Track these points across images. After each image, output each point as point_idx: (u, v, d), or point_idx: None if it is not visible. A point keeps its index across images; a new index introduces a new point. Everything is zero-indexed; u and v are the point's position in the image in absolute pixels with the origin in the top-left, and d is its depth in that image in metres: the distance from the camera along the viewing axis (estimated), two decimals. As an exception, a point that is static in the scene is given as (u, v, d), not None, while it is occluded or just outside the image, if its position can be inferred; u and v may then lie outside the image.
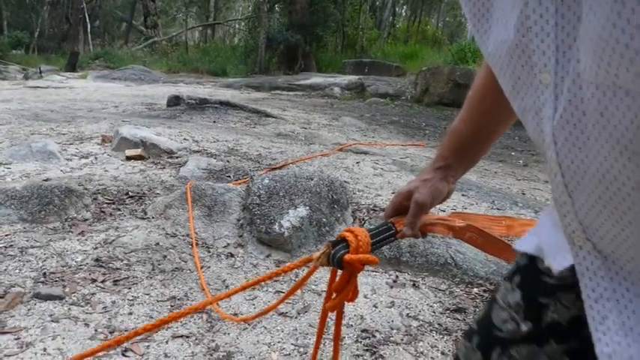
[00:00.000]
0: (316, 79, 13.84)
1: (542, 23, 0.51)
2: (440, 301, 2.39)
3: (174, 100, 7.80)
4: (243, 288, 1.00)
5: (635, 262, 0.55)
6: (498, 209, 3.70)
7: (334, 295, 0.98)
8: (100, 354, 1.81)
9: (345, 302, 1.01)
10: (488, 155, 6.07)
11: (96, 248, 2.59)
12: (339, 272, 0.96)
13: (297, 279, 2.51)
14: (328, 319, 1.09)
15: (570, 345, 0.74)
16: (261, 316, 1.15)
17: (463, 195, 3.90)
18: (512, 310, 0.80)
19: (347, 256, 0.90)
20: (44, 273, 2.32)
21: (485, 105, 0.86)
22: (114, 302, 2.16)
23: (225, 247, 2.77)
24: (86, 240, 2.68)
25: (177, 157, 4.34)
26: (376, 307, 2.28)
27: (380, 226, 1.01)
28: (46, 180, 3.32)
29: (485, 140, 0.96)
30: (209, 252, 2.70)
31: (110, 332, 1.95)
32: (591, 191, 0.55)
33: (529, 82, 0.57)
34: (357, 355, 1.95)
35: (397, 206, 1.02)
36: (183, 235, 2.79)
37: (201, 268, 2.52)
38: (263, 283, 2.45)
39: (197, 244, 2.71)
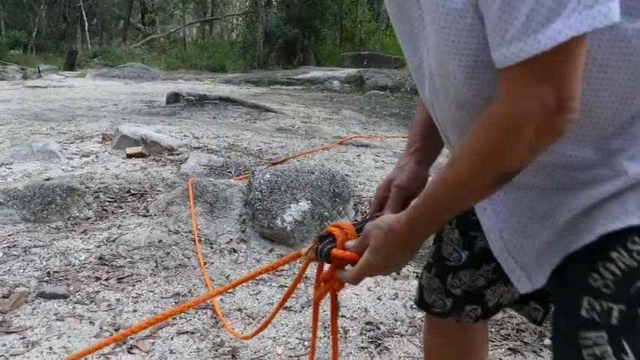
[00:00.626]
0: (315, 72, 13.79)
1: (421, 30, 0.86)
2: (443, 293, 2.39)
3: (174, 97, 7.78)
4: (238, 283, 1.01)
5: None
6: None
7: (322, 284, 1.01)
8: (107, 351, 1.81)
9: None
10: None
11: (99, 246, 2.60)
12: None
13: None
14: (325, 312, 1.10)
15: (494, 264, 1.01)
16: (263, 328, 1.18)
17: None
18: (454, 245, 1.10)
19: (334, 251, 0.96)
20: (48, 272, 2.33)
21: None
22: (118, 300, 2.16)
23: (227, 242, 2.77)
24: (89, 238, 2.68)
25: (177, 154, 4.34)
26: (380, 300, 2.29)
27: (365, 220, 1.03)
28: (47, 179, 3.32)
29: None
30: (212, 248, 2.70)
31: (115, 330, 1.95)
32: (448, 126, 0.92)
33: (420, 69, 0.92)
34: (362, 348, 1.95)
35: (381, 200, 1.11)
36: (185, 232, 2.80)
37: (205, 264, 2.52)
38: (266, 277, 2.45)
39: (200, 241, 2.72)
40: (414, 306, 2.25)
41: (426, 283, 1.16)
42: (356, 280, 0.95)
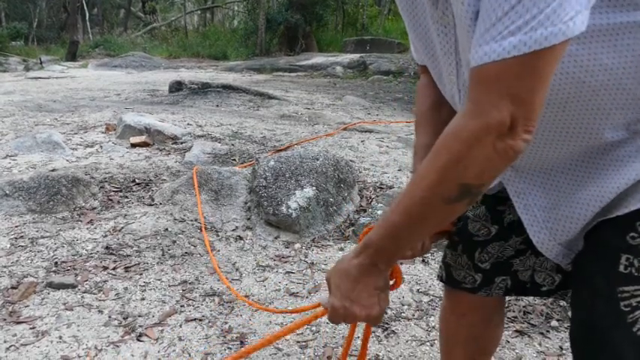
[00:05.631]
0: (318, 58, 13.73)
1: (448, 48, 0.88)
2: (450, 276, 2.39)
3: (176, 86, 7.76)
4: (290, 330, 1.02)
5: (527, 164, 0.95)
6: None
7: None
8: (116, 339, 1.83)
9: None
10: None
11: (105, 236, 2.61)
12: None
13: (306, 259, 2.52)
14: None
15: (524, 236, 1.04)
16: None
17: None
18: (482, 220, 1.11)
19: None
20: (56, 262, 2.34)
21: (441, 116, 1.09)
22: (126, 288, 2.18)
23: (233, 230, 2.78)
24: (95, 228, 2.69)
25: (181, 143, 4.34)
26: (386, 284, 2.29)
27: None
28: (52, 170, 3.33)
29: None
30: (218, 236, 2.71)
31: (124, 318, 1.97)
32: None
33: (445, 80, 0.95)
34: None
35: None
36: (191, 220, 2.80)
37: (211, 251, 2.53)
38: (272, 264, 2.46)
39: (205, 228, 2.72)
40: (420, 290, 2.26)
41: (453, 261, 1.18)
42: (334, 322, 0.94)
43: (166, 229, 2.68)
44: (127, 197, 3.12)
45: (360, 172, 3.65)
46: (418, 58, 1.10)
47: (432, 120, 1.10)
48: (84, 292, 2.13)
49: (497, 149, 0.71)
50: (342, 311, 0.89)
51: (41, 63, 14.35)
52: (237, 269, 2.40)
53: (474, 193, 0.76)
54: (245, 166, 3.54)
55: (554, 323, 2.04)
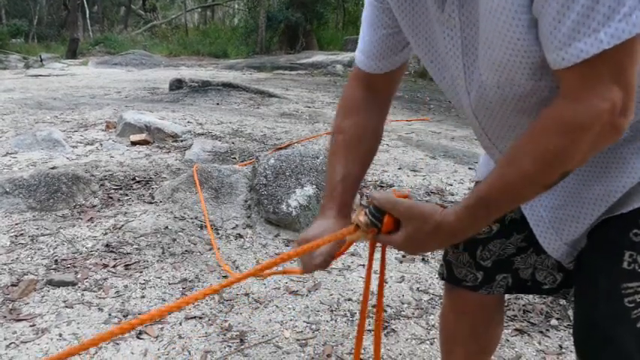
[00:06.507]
0: (318, 57, 13.72)
1: (454, 51, 0.88)
2: (450, 275, 2.39)
3: (177, 84, 7.75)
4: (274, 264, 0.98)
5: None
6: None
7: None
8: (116, 337, 1.83)
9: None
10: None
11: (105, 234, 2.61)
12: None
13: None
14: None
15: (525, 233, 1.07)
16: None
17: (470, 168, 3.89)
18: None
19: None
20: (56, 260, 2.34)
21: (364, 146, 1.14)
22: (126, 286, 2.18)
23: (233, 228, 2.78)
24: (95, 226, 2.69)
25: (182, 141, 4.34)
26: (386, 283, 2.29)
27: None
28: (52, 168, 3.33)
29: (365, 171, 1.18)
30: (218, 234, 2.71)
31: (124, 316, 1.97)
32: (502, 134, 0.94)
33: (451, 83, 0.94)
34: (370, 331, 1.96)
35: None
36: (191, 218, 2.80)
37: (211, 250, 2.53)
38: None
39: (206, 226, 2.72)
40: (420, 288, 2.26)
41: (454, 259, 1.19)
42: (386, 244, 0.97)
43: (166, 227, 2.68)
44: (127, 195, 3.12)
45: (360, 171, 3.64)
46: (375, 66, 1.06)
47: (361, 111, 1.15)
48: (84, 290, 2.13)
49: (607, 133, 0.73)
50: (403, 249, 0.94)
51: (41, 60, 14.31)
52: (237, 267, 2.41)
53: (569, 174, 0.80)
54: (245, 165, 3.53)
55: (553, 322, 2.04)
